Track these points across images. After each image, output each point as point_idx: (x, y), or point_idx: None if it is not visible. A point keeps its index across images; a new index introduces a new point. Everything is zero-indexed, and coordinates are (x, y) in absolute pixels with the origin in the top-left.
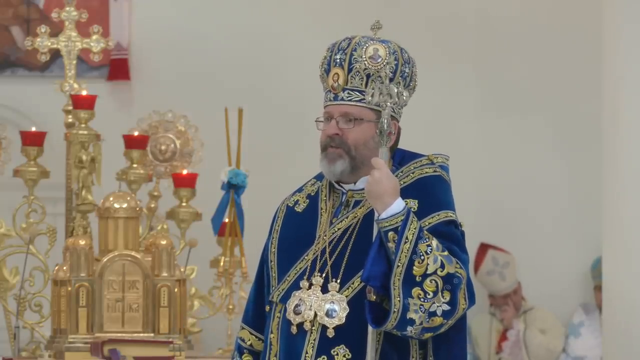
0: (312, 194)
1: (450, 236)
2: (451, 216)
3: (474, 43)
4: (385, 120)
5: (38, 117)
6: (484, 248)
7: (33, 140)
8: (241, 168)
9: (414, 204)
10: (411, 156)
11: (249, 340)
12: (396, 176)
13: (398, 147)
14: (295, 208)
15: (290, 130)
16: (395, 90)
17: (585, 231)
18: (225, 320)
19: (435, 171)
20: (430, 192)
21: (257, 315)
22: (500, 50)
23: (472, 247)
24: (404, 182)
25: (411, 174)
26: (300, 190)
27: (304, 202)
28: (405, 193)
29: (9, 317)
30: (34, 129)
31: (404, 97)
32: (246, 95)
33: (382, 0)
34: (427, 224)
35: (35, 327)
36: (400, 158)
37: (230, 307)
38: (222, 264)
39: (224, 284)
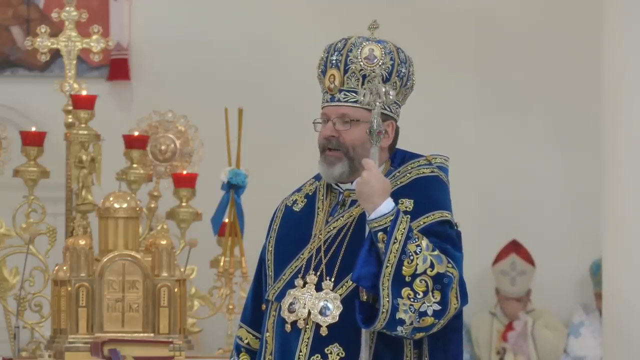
0: (310, 193)
1: (444, 235)
2: (446, 216)
3: (473, 43)
4: (375, 120)
5: (38, 117)
6: (511, 247)
7: (33, 140)
8: (241, 168)
9: (409, 203)
10: (411, 157)
11: (246, 339)
12: (393, 176)
13: (398, 148)
14: (294, 208)
15: (290, 130)
16: (383, 90)
17: (585, 231)
18: (225, 320)
19: (432, 172)
20: (426, 192)
21: (254, 314)
22: (499, 50)
23: (469, 248)
24: (401, 182)
25: (408, 174)
26: (299, 190)
27: (302, 201)
28: (401, 193)
29: (9, 317)
30: (34, 129)
31: (391, 97)
32: (246, 95)
33: (382, 0)
34: (421, 223)
35: (35, 327)
36: (400, 159)
37: (230, 307)
38: (222, 264)
39: (224, 284)
